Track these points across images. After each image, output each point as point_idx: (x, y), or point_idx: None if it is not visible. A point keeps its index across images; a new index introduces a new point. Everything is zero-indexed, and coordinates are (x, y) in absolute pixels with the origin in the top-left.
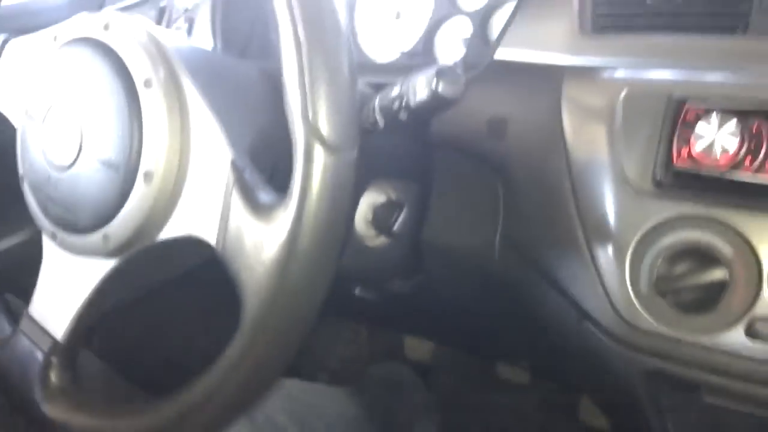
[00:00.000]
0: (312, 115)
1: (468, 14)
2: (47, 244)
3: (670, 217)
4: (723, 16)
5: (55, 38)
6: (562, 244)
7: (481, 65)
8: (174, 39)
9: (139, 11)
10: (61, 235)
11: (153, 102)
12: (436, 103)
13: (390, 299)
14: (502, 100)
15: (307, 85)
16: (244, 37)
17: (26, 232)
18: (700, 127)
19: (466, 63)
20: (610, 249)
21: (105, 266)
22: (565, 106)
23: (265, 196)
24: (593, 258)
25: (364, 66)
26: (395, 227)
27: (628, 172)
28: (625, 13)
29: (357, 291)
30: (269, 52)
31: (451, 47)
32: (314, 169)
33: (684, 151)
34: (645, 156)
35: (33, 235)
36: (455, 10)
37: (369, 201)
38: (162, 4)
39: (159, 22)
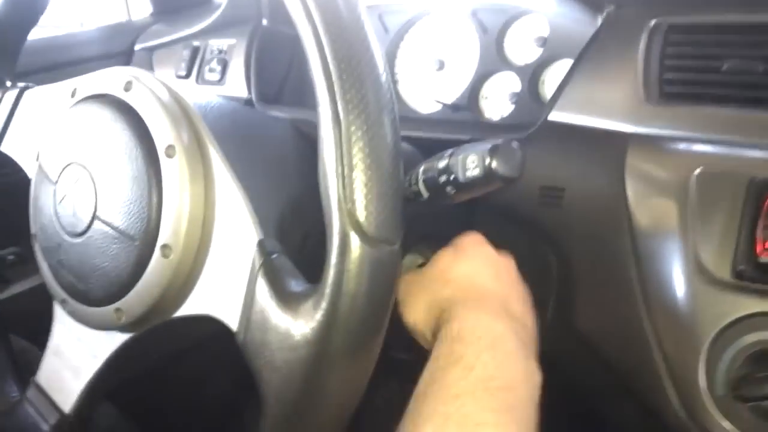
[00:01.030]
0: (350, 202)
1: (517, 69)
2: (57, 309)
3: (753, 314)
4: None
5: (74, 92)
6: (625, 331)
7: (533, 126)
8: (201, 98)
9: (173, 50)
10: (72, 303)
11: (175, 171)
12: (490, 182)
13: (423, 359)
14: (557, 165)
15: (345, 166)
16: (279, 82)
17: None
18: None
19: (516, 121)
20: (682, 343)
21: (117, 339)
22: (630, 177)
23: (294, 284)
24: (662, 351)
25: (404, 118)
26: None
27: (703, 259)
28: (697, 81)
29: (391, 351)
30: (304, 98)
31: (498, 103)
32: (350, 263)
33: None
34: (724, 242)
35: None
36: (503, 64)
37: (406, 264)
38: (196, 44)
39: (192, 62)
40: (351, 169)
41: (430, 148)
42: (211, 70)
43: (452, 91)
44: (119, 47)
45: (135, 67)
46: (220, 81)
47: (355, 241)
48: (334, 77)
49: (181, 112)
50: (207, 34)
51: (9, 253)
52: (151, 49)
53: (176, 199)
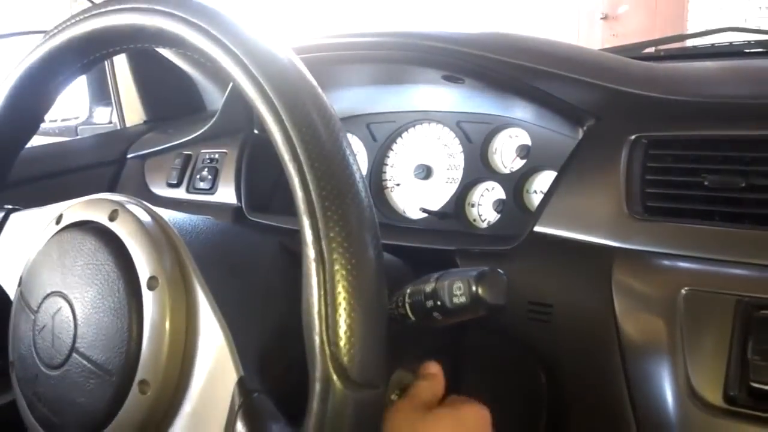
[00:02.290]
0: (333, 345)
1: (501, 179)
2: None
3: None
4: None
5: (59, 219)
6: None
7: (519, 237)
8: (187, 223)
9: (165, 159)
10: None
11: (156, 304)
12: (477, 309)
13: None
14: (545, 279)
15: (329, 306)
16: (269, 189)
17: None
18: None
19: (502, 230)
20: None
21: None
22: (617, 293)
23: (275, 427)
24: None
25: (392, 227)
26: None
27: (695, 383)
28: (680, 196)
29: None
30: (293, 206)
31: (484, 211)
32: (332, 409)
33: (762, 369)
34: (714, 365)
35: None
36: (488, 173)
37: (394, 382)
38: (187, 153)
39: (184, 170)
40: (335, 310)
41: (418, 257)
42: (202, 179)
43: (439, 198)
44: (112, 156)
45: (127, 175)
46: (211, 190)
47: (337, 386)
48: (319, 215)
49: (165, 241)
50: (199, 142)
51: None
52: (144, 158)
53: (156, 334)
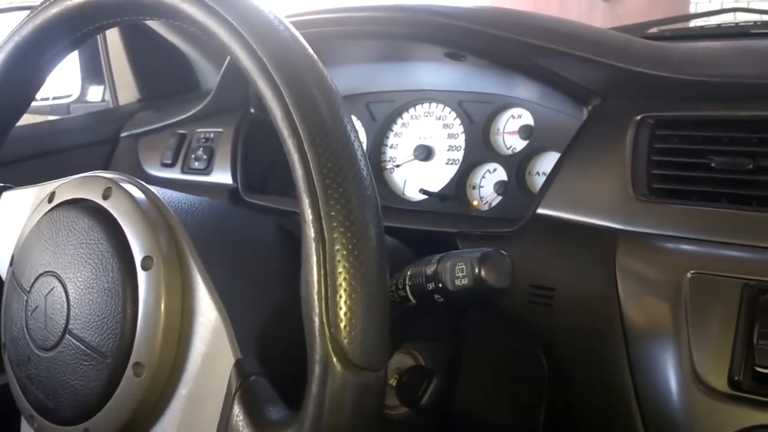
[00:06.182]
0: (333, 326)
1: (503, 160)
2: (24, 425)
3: (751, 427)
4: None
5: (52, 197)
6: None
7: (522, 219)
8: (183, 202)
9: (159, 138)
10: (39, 420)
11: (152, 285)
12: (479, 291)
13: None
14: (547, 262)
15: (329, 287)
16: (265, 170)
17: None
18: None
19: (504, 212)
20: None
21: None
22: (621, 276)
23: (273, 411)
24: None
25: (391, 209)
26: (424, 399)
27: (699, 368)
28: (686, 177)
29: None
30: (290, 186)
31: (485, 193)
32: (332, 392)
33: (766, 350)
34: (719, 349)
35: None
36: (490, 154)
37: (393, 365)
38: (182, 132)
39: (178, 150)
40: (335, 291)
41: (418, 240)
42: (197, 159)
43: (440, 179)
44: (105, 135)
45: (121, 154)
46: (206, 170)
47: (337, 369)
48: (319, 193)
49: (161, 220)
50: (194, 121)
51: None
52: (137, 137)
53: (151, 315)
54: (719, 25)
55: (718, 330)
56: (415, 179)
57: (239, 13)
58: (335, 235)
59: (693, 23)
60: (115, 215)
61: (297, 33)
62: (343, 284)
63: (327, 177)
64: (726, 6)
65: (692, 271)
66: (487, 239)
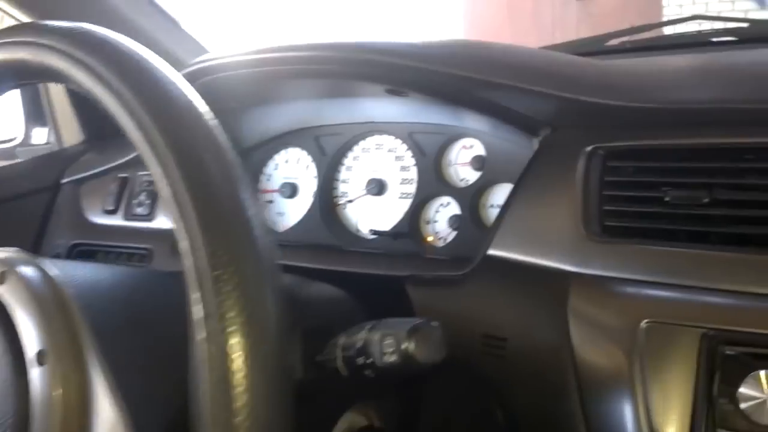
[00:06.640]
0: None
1: (456, 193)
2: None
3: None
4: (757, 224)
5: None
6: None
7: (473, 261)
8: (88, 282)
9: (101, 183)
10: None
11: (47, 382)
12: (408, 367)
13: None
14: (498, 308)
15: (226, 393)
16: None
17: None
18: (748, 384)
19: (458, 248)
20: None
21: None
22: (574, 324)
23: None
24: None
25: (340, 250)
26: None
27: (657, 425)
28: (640, 213)
29: None
30: None
31: (440, 227)
32: None
33: (729, 414)
34: (678, 406)
35: None
36: (443, 187)
37: (345, 426)
38: (124, 176)
39: (120, 195)
40: (233, 400)
41: (369, 285)
42: (139, 204)
43: (393, 215)
44: (45, 182)
45: (62, 202)
46: (149, 216)
47: None
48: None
49: (58, 309)
50: (136, 164)
51: None
52: (79, 182)
53: (47, 416)
54: (681, 34)
55: (676, 384)
56: (369, 215)
57: (131, 82)
58: (231, 341)
59: (656, 32)
60: (7, 305)
61: (195, 101)
62: (242, 389)
63: (218, 267)
64: (695, 7)
65: (647, 320)
66: (438, 284)
